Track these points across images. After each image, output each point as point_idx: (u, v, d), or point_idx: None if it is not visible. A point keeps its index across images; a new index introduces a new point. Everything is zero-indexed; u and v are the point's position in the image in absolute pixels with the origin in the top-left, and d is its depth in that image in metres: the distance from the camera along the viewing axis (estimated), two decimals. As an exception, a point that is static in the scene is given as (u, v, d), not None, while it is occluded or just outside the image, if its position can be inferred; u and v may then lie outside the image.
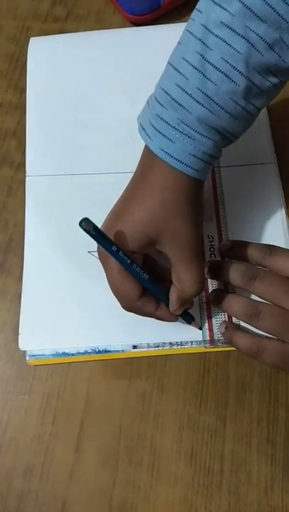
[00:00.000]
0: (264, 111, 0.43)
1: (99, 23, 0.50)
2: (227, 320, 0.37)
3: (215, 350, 0.37)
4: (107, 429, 0.36)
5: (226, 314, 0.37)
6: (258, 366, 0.37)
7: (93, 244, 0.39)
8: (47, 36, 0.48)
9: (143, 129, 0.29)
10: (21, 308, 0.38)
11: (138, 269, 0.30)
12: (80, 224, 0.28)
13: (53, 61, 0.47)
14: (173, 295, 0.32)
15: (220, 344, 0.36)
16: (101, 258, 0.31)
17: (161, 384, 0.37)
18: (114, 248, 0.29)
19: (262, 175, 0.41)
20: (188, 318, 0.35)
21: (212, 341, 0.37)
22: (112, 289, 0.32)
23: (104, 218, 0.32)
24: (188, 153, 0.28)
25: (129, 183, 0.32)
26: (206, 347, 0.37)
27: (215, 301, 0.36)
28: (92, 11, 0.50)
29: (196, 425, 0.36)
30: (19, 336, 0.37)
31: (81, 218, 0.28)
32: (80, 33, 0.48)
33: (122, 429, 0.36)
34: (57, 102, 0.45)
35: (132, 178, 0.32)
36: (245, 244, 0.37)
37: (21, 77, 0.47)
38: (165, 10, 0.49)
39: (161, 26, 0.48)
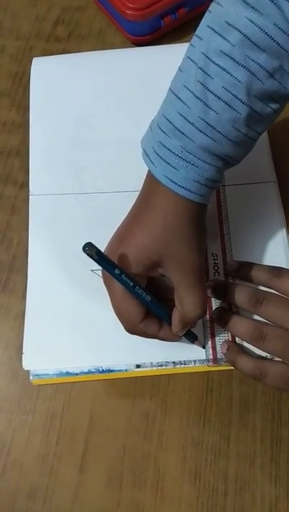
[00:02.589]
0: (264, 132, 0.44)
1: (100, 43, 0.51)
2: (230, 339, 0.37)
3: (218, 369, 0.37)
4: (111, 449, 0.36)
5: (229, 333, 0.37)
6: (261, 386, 0.37)
7: (96, 264, 0.40)
8: (50, 56, 0.49)
9: (147, 155, 0.30)
10: (25, 328, 0.38)
11: (141, 291, 0.30)
12: (84, 249, 0.28)
13: (55, 81, 0.47)
14: (175, 317, 0.32)
15: (223, 363, 0.37)
16: (105, 281, 0.32)
17: (165, 403, 0.37)
18: (117, 271, 0.29)
19: (263, 193, 0.42)
20: (191, 338, 0.35)
21: (215, 360, 0.37)
22: (115, 312, 0.32)
23: (108, 241, 0.32)
24: (192, 180, 0.28)
25: (132, 207, 0.32)
26: (209, 365, 0.37)
27: (219, 321, 0.37)
28: (93, 31, 0.51)
29: (200, 445, 0.36)
30: (23, 356, 0.37)
31: (84, 243, 0.28)
32: (82, 53, 0.49)
33: (126, 449, 0.36)
34: (59, 122, 0.45)
35: (136, 203, 0.32)
36: (251, 266, 0.37)
37: (24, 96, 0.48)
38: (166, 31, 0.50)
39: (161, 47, 0.49)
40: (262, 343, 0.33)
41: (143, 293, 0.30)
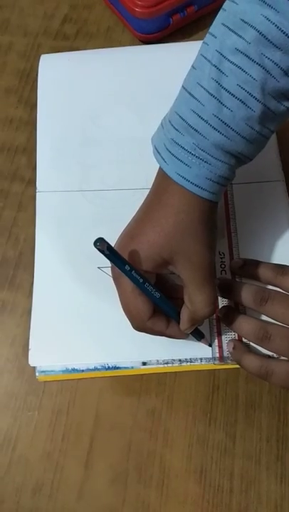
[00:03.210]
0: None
1: (108, 41, 0.51)
2: (236, 338, 0.37)
3: (224, 367, 0.37)
4: (116, 446, 0.36)
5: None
6: (268, 384, 0.37)
7: (103, 260, 0.40)
8: (57, 53, 0.49)
9: (158, 152, 0.29)
10: (31, 324, 0.38)
11: (151, 288, 0.30)
12: (95, 244, 0.28)
13: (63, 78, 0.47)
14: (184, 315, 0.32)
15: (229, 361, 0.36)
16: (114, 278, 0.32)
17: (171, 401, 0.37)
18: (127, 268, 0.29)
19: (271, 192, 0.42)
20: (198, 336, 0.35)
21: (221, 358, 0.37)
22: (124, 309, 0.32)
23: (118, 238, 0.32)
24: (205, 178, 0.28)
25: (143, 204, 0.32)
26: (215, 364, 0.37)
27: (224, 320, 0.36)
28: (101, 29, 0.51)
29: (206, 443, 0.36)
30: (29, 352, 0.37)
31: (95, 238, 0.28)
32: (90, 50, 0.49)
33: (132, 446, 0.36)
34: (67, 119, 0.45)
35: (146, 199, 0.32)
36: (256, 264, 0.37)
37: (32, 93, 0.48)
38: (174, 28, 0.50)
39: (170, 45, 0.49)
40: (267, 342, 0.33)
41: (152, 290, 0.30)
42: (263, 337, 0.33)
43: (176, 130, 0.28)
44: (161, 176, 0.30)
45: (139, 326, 0.32)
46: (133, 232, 0.31)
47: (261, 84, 0.26)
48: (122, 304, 0.32)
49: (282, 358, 0.34)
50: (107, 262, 0.39)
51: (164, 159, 0.29)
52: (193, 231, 0.29)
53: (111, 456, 0.35)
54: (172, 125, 0.29)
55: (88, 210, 0.42)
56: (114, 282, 0.32)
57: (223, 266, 0.39)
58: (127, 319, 0.32)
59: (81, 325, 0.38)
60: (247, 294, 0.35)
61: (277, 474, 0.35)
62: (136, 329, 0.33)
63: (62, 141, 0.45)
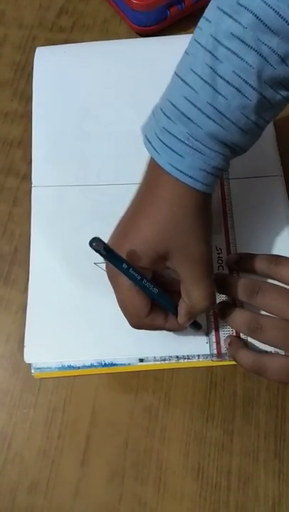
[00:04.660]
0: (270, 124, 0.43)
1: (105, 33, 0.50)
2: (234, 334, 0.37)
3: (222, 363, 0.37)
4: (113, 443, 0.35)
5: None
6: (265, 381, 0.36)
7: (99, 256, 0.39)
8: (53, 46, 0.48)
9: (149, 141, 0.28)
10: (26, 321, 0.37)
11: (148, 284, 0.30)
12: (91, 244, 0.27)
13: (59, 71, 0.47)
14: (182, 309, 0.31)
15: (227, 358, 0.36)
16: (110, 276, 0.31)
17: (168, 398, 0.36)
18: (125, 266, 0.28)
19: (269, 187, 0.41)
20: (195, 327, 0.35)
21: (219, 355, 0.36)
22: (121, 307, 0.31)
23: (111, 234, 0.32)
24: (199, 169, 0.27)
25: (134, 198, 0.31)
26: (212, 360, 0.37)
27: (220, 315, 0.36)
28: (98, 22, 0.50)
29: (203, 440, 0.35)
30: (24, 349, 0.37)
31: (91, 237, 0.27)
32: (87, 43, 0.48)
33: (128, 444, 0.35)
34: (63, 112, 0.45)
35: (138, 193, 0.31)
36: (252, 257, 0.37)
37: (27, 86, 0.47)
38: (171, 21, 0.49)
39: (167, 37, 0.49)
40: (258, 333, 0.33)
41: (150, 286, 0.30)
42: (254, 328, 0.33)
43: (168, 118, 0.27)
44: (153, 167, 0.29)
45: (137, 323, 0.32)
46: (127, 228, 0.30)
47: (257, 72, 0.25)
48: (119, 302, 0.31)
49: (276, 351, 0.34)
50: (103, 258, 0.39)
51: (155, 149, 0.28)
52: (188, 225, 0.29)
53: (107, 453, 0.35)
54: (164, 113, 0.27)
55: (84, 205, 0.41)
56: (110, 281, 0.31)
57: (220, 262, 0.39)
58: (125, 317, 0.32)
59: (77, 321, 0.38)
60: (238, 288, 0.35)
61: (275, 471, 0.34)
62: (134, 327, 0.32)
63: (58, 134, 0.44)
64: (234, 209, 0.41)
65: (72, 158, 0.43)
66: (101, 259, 0.39)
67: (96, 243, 0.27)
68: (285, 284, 0.34)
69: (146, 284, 0.30)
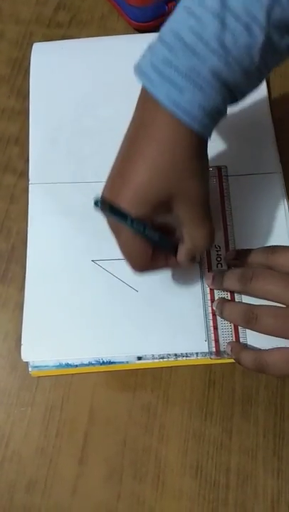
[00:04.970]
0: (269, 121, 0.43)
1: (102, 29, 0.49)
2: (232, 331, 0.36)
3: (220, 361, 0.37)
4: (111, 441, 0.35)
5: (232, 325, 0.37)
6: (264, 379, 0.36)
7: (97, 253, 0.39)
8: (50, 42, 0.48)
9: (144, 72, 0.26)
10: (24, 319, 0.37)
11: (151, 231, 0.30)
12: (95, 204, 0.26)
13: (56, 67, 0.46)
14: (183, 251, 0.32)
15: (225, 355, 0.36)
16: (112, 228, 0.30)
17: (166, 396, 0.36)
18: (128, 221, 0.28)
19: (268, 184, 0.41)
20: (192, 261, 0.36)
21: (218, 353, 0.36)
22: (124, 256, 0.31)
23: (106, 180, 0.30)
24: (198, 106, 0.26)
25: (126, 139, 0.30)
26: (211, 358, 0.36)
27: (217, 311, 0.36)
28: (95, 17, 0.50)
29: (202, 438, 0.35)
30: (22, 347, 0.36)
31: (94, 197, 0.27)
32: (84, 39, 0.48)
33: (127, 442, 0.35)
34: (60, 109, 0.44)
35: (131, 132, 0.29)
36: (249, 251, 0.37)
37: (24, 82, 0.47)
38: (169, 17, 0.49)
39: (165, 33, 0.48)
40: (254, 323, 0.32)
41: (152, 233, 0.30)
42: (249, 319, 0.33)
43: (170, 50, 0.25)
44: (147, 104, 0.27)
45: (140, 268, 0.32)
46: (125, 173, 0.28)
47: (267, 9, 0.24)
48: (122, 251, 0.31)
49: (274, 347, 0.34)
50: (101, 255, 0.39)
51: (152, 82, 0.26)
52: (191, 169, 0.28)
53: (106, 451, 0.35)
54: (165, 44, 0.26)
55: (82, 202, 0.41)
56: (113, 231, 0.31)
57: (219, 259, 0.39)
58: (129, 264, 0.32)
59: (75, 319, 0.37)
60: (233, 278, 0.35)
61: (274, 469, 0.34)
62: (138, 272, 0.32)
63: (56, 131, 0.44)
64: (233, 206, 0.40)
65: (70, 155, 0.43)
66: (99, 256, 0.39)
67: (102, 205, 0.26)
68: (283, 272, 0.34)
69: (148, 231, 0.29)
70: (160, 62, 0.26)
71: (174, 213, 0.30)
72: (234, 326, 0.37)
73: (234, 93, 0.27)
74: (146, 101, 0.27)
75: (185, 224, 0.30)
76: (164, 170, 0.27)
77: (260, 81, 0.28)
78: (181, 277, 0.38)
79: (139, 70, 0.27)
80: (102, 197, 0.26)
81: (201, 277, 0.38)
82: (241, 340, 0.36)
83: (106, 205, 0.27)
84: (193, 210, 0.29)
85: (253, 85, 0.28)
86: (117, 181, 0.29)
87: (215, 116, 0.27)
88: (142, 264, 0.31)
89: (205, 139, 0.28)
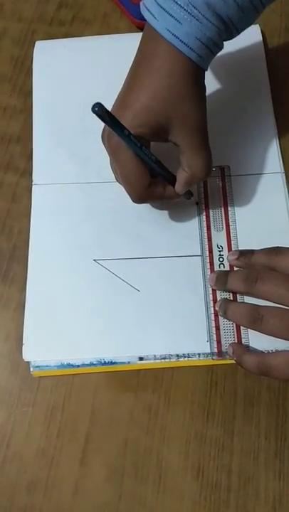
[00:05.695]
0: (272, 120, 0.43)
1: (105, 27, 0.49)
2: (234, 331, 0.36)
3: (222, 362, 0.36)
4: (112, 442, 0.35)
5: (234, 326, 0.37)
6: (266, 380, 0.36)
7: (99, 253, 0.39)
8: (53, 40, 0.47)
9: (147, 9, 0.29)
10: (25, 318, 0.37)
11: (148, 151, 0.31)
12: (93, 109, 0.27)
13: (59, 65, 0.46)
14: (181, 178, 0.33)
15: (227, 356, 0.36)
16: (112, 151, 0.32)
17: (168, 397, 0.36)
18: (126, 132, 0.29)
19: (270, 184, 0.41)
20: (188, 195, 0.38)
21: (220, 353, 0.36)
22: (123, 181, 0.33)
23: (111, 109, 0.32)
24: (195, 37, 0.28)
25: (131, 71, 0.32)
26: (213, 359, 0.36)
27: (221, 311, 0.36)
28: (98, 15, 0.50)
29: (203, 439, 0.35)
30: (23, 347, 0.36)
31: (94, 103, 0.27)
32: (87, 37, 0.48)
33: (128, 443, 0.35)
34: (63, 108, 0.44)
35: (134, 65, 0.32)
36: (252, 252, 0.36)
37: (26, 81, 0.46)
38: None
39: (168, 32, 0.48)
40: (260, 324, 0.32)
41: (149, 153, 0.31)
42: (255, 319, 0.32)
43: None
44: (149, 37, 0.30)
45: (139, 194, 0.33)
46: (126, 100, 0.31)
47: None
48: (121, 175, 0.32)
49: (275, 348, 0.34)
50: (103, 255, 0.39)
51: (153, 15, 0.29)
52: (187, 94, 0.30)
53: (107, 452, 0.35)
54: None
55: (85, 202, 0.41)
56: (113, 156, 0.32)
57: (221, 259, 0.38)
58: (127, 191, 0.33)
59: (76, 319, 0.37)
60: (238, 278, 0.35)
61: (276, 471, 0.34)
62: (136, 200, 0.34)
63: (59, 131, 0.43)
64: (236, 206, 0.40)
65: (73, 155, 0.42)
66: (101, 256, 0.39)
67: (99, 108, 0.27)
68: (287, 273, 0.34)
69: (146, 151, 0.31)
70: None
71: (173, 140, 0.32)
72: (236, 326, 0.37)
73: (229, 27, 0.29)
74: (148, 36, 0.30)
75: (184, 151, 0.32)
76: (162, 95, 0.29)
77: (255, 17, 0.30)
78: (184, 277, 0.38)
79: (142, 6, 0.30)
80: (99, 102, 0.27)
81: (204, 277, 0.38)
82: (243, 341, 0.36)
83: (104, 110, 0.27)
84: (191, 136, 0.31)
85: (248, 21, 0.30)
86: (120, 107, 0.31)
87: (212, 47, 0.29)
88: (140, 189, 0.33)
89: (201, 69, 0.30)
